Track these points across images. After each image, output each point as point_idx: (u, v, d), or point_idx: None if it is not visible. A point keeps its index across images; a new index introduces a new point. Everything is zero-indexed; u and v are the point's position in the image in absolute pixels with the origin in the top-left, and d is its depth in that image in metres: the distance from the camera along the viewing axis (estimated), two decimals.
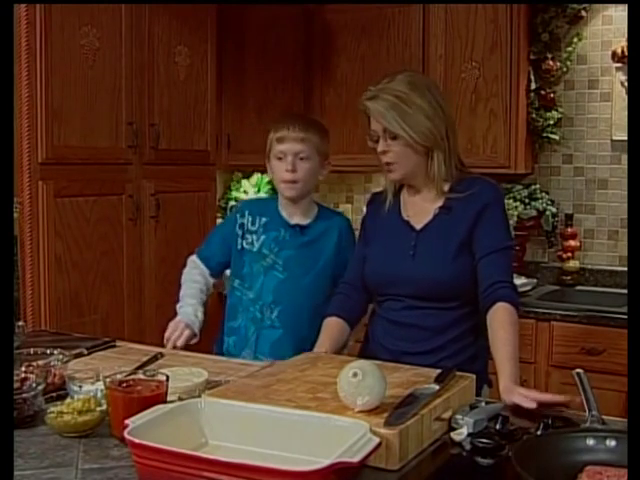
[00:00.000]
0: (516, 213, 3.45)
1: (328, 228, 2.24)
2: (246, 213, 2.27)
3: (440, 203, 1.96)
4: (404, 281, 1.93)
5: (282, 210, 2.25)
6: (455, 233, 1.91)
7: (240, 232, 2.25)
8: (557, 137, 3.49)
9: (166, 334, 2.13)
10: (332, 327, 2.00)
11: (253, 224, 2.24)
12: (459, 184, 1.95)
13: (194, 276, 2.28)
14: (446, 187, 1.96)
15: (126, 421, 1.20)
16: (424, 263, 1.92)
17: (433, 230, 1.95)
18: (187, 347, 2.13)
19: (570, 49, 3.47)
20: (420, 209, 1.98)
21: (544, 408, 1.56)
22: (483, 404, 1.54)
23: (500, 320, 1.79)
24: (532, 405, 1.55)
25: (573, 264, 3.47)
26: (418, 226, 1.97)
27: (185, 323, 2.14)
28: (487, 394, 1.95)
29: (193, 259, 2.33)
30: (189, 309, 2.18)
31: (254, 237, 2.23)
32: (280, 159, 2.16)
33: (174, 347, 2.09)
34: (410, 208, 2.01)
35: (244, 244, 2.24)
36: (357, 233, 2.18)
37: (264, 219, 2.24)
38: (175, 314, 2.19)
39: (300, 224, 2.22)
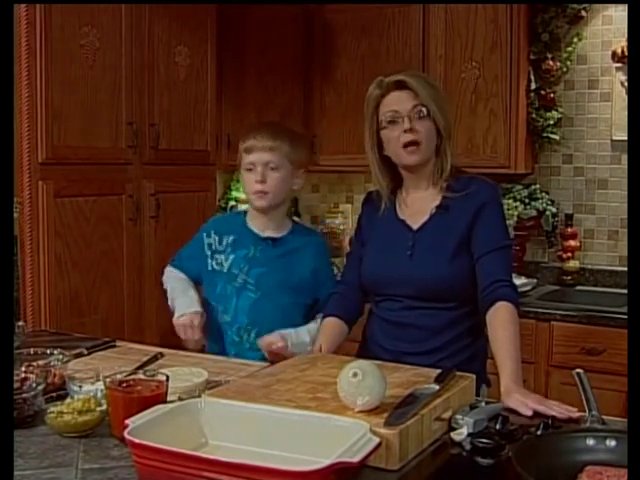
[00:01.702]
0: (516, 213, 3.45)
1: (303, 244, 2.15)
2: (212, 233, 2.18)
3: (437, 202, 1.96)
4: (402, 282, 1.93)
5: (252, 224, 2.16)
6: (453, 233, 1.91)
7: (209, 252, 2.16)
8: (557, 137, 3.49)
9: (181, 336, 2.05)
10: (330, 328, 2.00)
11: (220, 243, 2.15)
12: (455, 183, 1.95)
13: (177, 274, 2.23)
14: (443, 186, 1.96)
15: (126, 421, 1.20)
16: (422, 263, 1.91)
17: (430, 230, 1.94)
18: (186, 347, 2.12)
19: (570, 49, 3.47)
20: (416, 209, 1.98)
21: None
22: (483, 404, 1.54)
23: (500, 319, 1.79)
24: (528, 413, 1.54)
25: (573, 264, 3.47)
26: (415, 226, 1.97)
27: (190, 318, 2.04)
28: (485, 394, 1.95)
29: (169, 269, 2.27)
30: (185, 299, 2.11)
31: (222, 257, 2.14)
32: (250, 170, 2.08)
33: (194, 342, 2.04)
34: (406, 208, 2.00)
35: (214, 265, 2.15)
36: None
37: (231, 237, 2.15)
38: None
39: (272, 237, 2.13)
